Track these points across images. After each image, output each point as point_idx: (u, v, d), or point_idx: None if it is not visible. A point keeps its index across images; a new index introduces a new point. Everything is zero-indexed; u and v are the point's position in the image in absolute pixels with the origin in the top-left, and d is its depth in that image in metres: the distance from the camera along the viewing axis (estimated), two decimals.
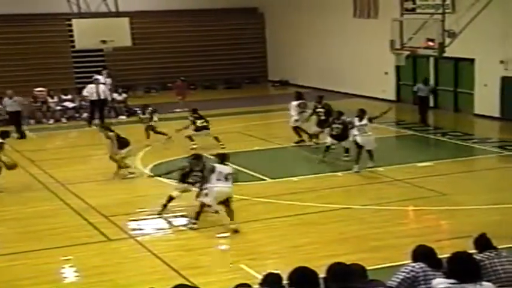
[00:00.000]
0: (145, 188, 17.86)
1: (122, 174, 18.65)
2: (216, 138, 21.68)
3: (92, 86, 27.68)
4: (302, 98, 22.47)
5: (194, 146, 21.10)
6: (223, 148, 20.15)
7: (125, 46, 29.07)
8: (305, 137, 22.08)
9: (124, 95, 29.87)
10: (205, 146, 20.92)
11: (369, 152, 18.69)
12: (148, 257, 12.90)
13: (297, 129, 22.21)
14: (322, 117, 21.36)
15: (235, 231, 13.91)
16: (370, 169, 18.53)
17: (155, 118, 23.19)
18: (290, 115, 22.38)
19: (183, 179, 15.13)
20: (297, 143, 22.08)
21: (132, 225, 14.87)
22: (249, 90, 35.96)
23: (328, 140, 19.63)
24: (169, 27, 37.18)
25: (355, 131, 18.72)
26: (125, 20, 28.55)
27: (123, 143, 18.75)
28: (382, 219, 14.55)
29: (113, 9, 29.21)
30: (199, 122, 21.86)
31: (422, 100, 26.07)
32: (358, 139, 18.59)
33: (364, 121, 18.67)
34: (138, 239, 13.92)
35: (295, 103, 22.30)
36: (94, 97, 27.28)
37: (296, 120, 22.12)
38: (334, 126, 19.51)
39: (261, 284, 6.66)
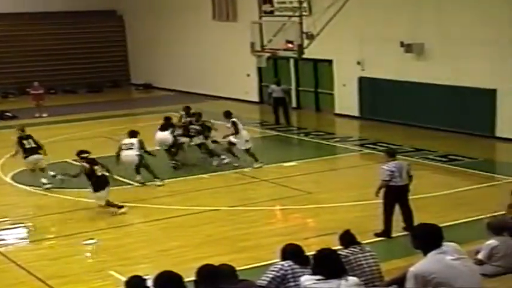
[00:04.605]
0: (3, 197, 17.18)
1: None
2: None
3: None
4: None
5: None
6: None
7: None
8: None
9: None
10: None
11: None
12: (12, 267, 12.49)
13: None
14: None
15: None
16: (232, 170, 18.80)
17: None
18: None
19: None
20: None
21: None
22: (112, 94, 35.43)
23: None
24: (25, 30, 36.06)
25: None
26: None
27: None
28: (250, 220, 14.73)
29: None
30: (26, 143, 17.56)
31: (277, 101, 26.28)
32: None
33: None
34: (0, 249, 13.44)
35: None
36: None
37: None
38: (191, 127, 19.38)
39: None
